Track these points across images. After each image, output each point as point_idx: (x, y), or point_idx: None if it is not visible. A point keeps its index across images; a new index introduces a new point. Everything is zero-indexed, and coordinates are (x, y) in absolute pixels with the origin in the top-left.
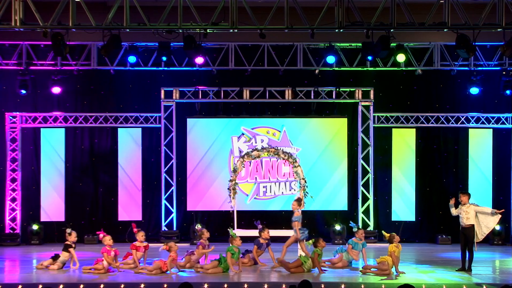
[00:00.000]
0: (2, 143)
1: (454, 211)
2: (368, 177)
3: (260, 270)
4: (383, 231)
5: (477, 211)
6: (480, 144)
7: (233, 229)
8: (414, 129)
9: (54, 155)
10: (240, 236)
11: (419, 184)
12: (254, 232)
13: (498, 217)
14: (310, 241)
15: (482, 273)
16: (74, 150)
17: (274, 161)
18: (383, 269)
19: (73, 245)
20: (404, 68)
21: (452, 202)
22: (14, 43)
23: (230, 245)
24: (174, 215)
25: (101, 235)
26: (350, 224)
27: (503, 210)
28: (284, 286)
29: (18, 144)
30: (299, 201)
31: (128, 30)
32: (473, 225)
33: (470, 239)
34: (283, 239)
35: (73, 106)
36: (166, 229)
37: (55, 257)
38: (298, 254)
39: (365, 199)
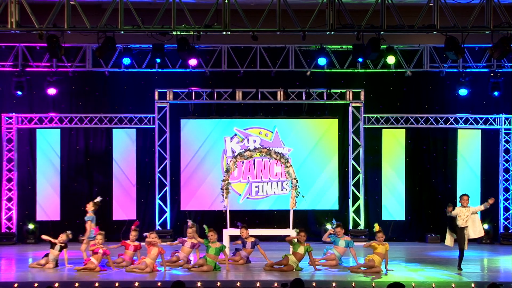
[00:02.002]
0: None
1: (454, 213)
2: (359, 177)
3: (253, 268)
4: (376, 224)
5: (473, 212)
6: (469, 145)
7: (226, 228)
8: (404, 130)
9: (50, 156)
10: (232, 235)
11: (409, 184)
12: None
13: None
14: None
15: (471, 271)
16: (69, 150)
17: (266, 161)
18: (370, 266)
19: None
20: (394, 70)
21: (450, 209)
22: (10, 45)
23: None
24: (168, 214)
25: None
26: (332, 222)
27: (493, 198)
28: (276, 284)
29: (14, 145)
30: (94, 203)
31: (122, 32)
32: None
33: (464, 238)
34: (275, 238)
35: (68, 107)
36: (160, 228)
37: (47, 255)
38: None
39: (355, 198)
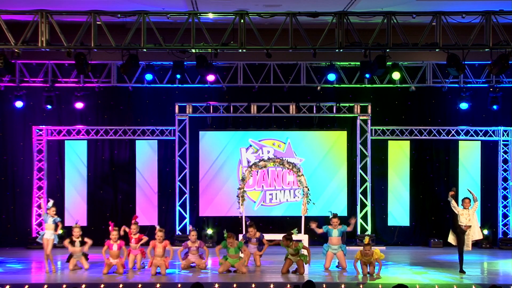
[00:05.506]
0: (29, 154)
1: (455, 204)
2: (366, 185)
3: (267, 271)
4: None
5: (474, 210)
6: (469, 155)
7: (242, 233)
8: (409, 141)
9: (77, 165)
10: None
11: (413, 192)
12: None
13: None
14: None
15: (472, 274)
16: (96, 160)
17: (280, 170)
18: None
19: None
20: (399, 85)
21: (452, 193)
22: (41, 62)
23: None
24: (187, 220)
25: (110, 228)
26: (328, 211)
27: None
28: (289, 286)
29: (44, 155)
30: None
31: (145, 50)
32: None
33: (463, 242)
34: None
35: (94, 120)
36: (180, 234)
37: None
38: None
39: (363, 205)
